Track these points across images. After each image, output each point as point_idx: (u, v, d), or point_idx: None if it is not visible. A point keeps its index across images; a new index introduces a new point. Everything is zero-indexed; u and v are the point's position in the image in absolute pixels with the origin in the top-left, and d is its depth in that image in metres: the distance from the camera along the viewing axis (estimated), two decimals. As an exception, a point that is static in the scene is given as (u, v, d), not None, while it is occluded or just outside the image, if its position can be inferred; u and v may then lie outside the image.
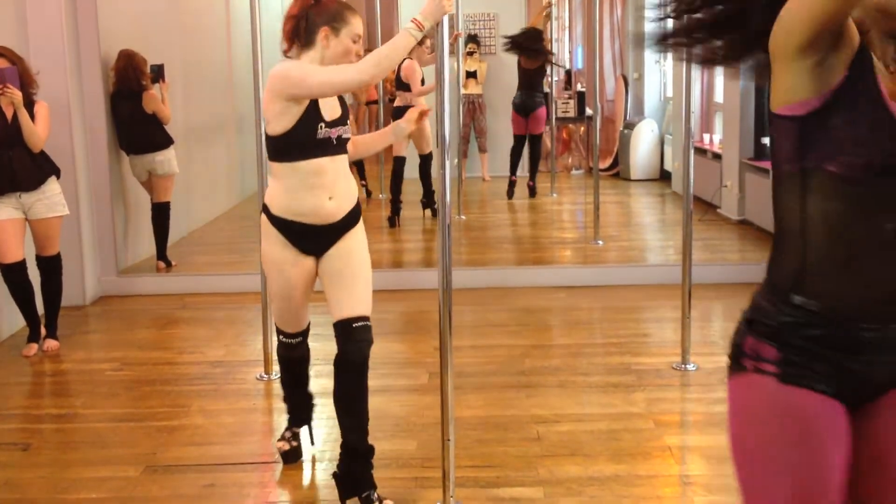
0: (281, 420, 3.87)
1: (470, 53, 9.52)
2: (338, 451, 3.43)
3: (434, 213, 7.93)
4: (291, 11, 2.95)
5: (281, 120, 2.87)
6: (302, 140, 2.88)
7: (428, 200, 7.98)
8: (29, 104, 4.52)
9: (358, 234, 3.06)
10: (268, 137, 2.94)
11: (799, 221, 1.52)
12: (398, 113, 7.62)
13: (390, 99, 8.99)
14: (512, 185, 8.99)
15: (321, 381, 4.21)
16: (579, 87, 11.26)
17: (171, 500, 3.09)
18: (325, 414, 3.81)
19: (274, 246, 3.01)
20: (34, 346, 4.69)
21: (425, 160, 7.78)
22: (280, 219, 2.97)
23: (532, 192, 9.01)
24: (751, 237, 7.04)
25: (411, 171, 7.80)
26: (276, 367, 4.28)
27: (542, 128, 9.03)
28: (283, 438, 3.41)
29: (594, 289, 5.71)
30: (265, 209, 3.02)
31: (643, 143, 9.99)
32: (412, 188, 8.02)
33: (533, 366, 4.34)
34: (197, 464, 3.37)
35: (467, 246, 7.01)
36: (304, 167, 2.90)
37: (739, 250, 6.92)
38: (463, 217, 7.95)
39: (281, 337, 3.24)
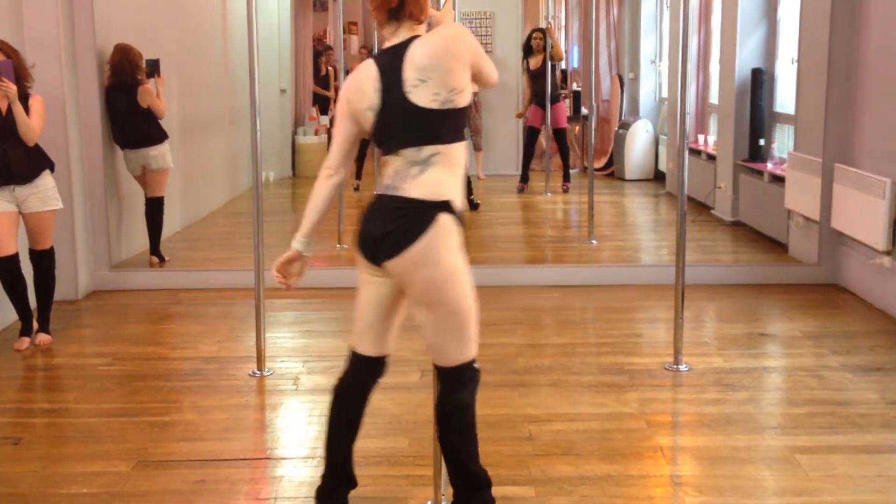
0: (273, 416, 3.87)
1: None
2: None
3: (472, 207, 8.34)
4: None
5: (468, 88, 2.59)
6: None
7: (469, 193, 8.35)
8: (24, 97, 4.51)
9: None
10: (457, 112, 2.57)
11: None
12: None
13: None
14: (520, 191, 9.22)
15: (314, 377, 4.22)
16: (575, 87, 11.27)
17: (162, 496, 3.09)
18: (316, 411, 3.81)
19: (460, 250, 2.63)
20: (26, 340, 4.68)
21: None
22: (459, 217, 2.64)
23: (565, 190, 9.33)
24: (744, 238, 7.06)
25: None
26: (268, 364, 4.29)
27: (564, 123, 9.32)
28: None
29: (588, 288, 5.71)
30: (447, 206, 2.58)
31: (638, 144, 10.00)
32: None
33: (526, 365, 4.34)
34: (188, 459, 3.36)
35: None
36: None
37: (732, 251, 6.94)
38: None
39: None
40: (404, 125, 2.57)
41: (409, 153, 2.57)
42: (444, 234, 2.56)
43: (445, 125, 2.57)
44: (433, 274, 2.55)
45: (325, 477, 2.84)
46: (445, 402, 2.72)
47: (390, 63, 2.59)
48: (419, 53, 2.56)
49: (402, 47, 2.60)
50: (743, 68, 7.24)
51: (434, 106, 2.54)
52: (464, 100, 2.57)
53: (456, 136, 2.60)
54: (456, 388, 2.70)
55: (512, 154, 9.99)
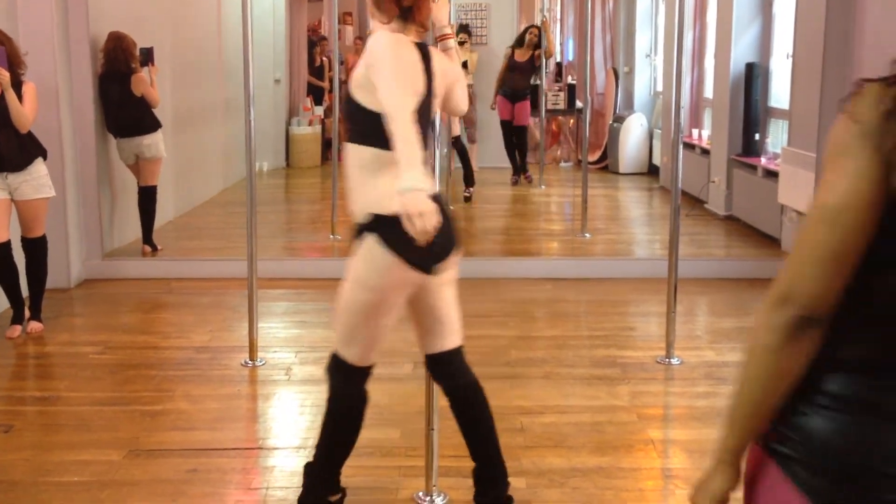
0: (265, 406, 3.87)
1: (461, 43, 9.52)
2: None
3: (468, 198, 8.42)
4: None
5: None
6: None
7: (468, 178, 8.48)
8: (17, 85, 4.49)
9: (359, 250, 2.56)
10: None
11: None
12: None
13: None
14: (514, 183, 9.25)
15: (306, 368, 4.22)
16: (570, 80, 11.27)
17: (154, 485, 3.09)
18: (308, 401, 3.81)
19: None
20: (18, 328, 4.67)
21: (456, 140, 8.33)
22: None
23: (529, 180, 9.36)
24: (737, 233, 7.07)
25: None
26: (260, 354, 4.29)
27: (526, 120, 9.21)
28: None
29: (580, 281, 5.72)
30: None
31: (632, 137, 10.01)
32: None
33: (518, 357, 4.35)
34: (180, 449, 3.36)
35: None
36: None
37: (725, 246, 6.95)
38: (451, 207, 7.96)
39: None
40: (429, 123, 2.57)
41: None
42: None
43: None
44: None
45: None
46: (470, 384, 2.78)
47: (424, 59, 2.51)
48: (440, 72, 2.57)
49: (426, 50, 2.55)
50: (738, 63, 7.25)
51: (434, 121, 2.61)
52: None
53: None
54: (467, 366, 2.79)
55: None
